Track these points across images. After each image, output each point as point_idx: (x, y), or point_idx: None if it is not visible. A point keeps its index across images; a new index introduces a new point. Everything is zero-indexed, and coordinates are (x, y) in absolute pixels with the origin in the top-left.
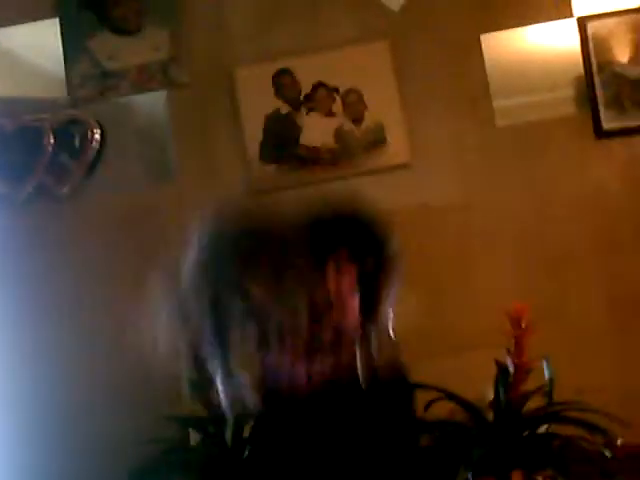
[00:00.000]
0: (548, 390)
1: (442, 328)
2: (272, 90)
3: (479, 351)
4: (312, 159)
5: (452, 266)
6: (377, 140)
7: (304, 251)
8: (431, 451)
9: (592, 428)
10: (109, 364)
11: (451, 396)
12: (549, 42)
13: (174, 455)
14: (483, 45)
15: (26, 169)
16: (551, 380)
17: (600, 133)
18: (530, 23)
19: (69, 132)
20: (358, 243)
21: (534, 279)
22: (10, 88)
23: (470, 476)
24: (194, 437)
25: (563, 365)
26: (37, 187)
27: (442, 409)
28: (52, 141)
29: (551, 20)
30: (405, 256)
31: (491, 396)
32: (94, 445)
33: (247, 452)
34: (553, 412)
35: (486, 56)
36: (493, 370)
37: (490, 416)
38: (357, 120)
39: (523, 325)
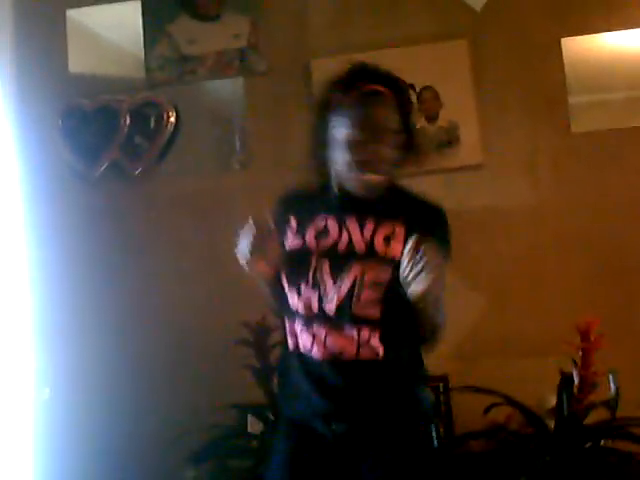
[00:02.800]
0: (613, 404)
1: (505, 332)
2: None
3: (541, 358)
4: None
5: (520, 270)
6: (450, 139)
7: None
8: (491, 456)
9: None
10: (172, 348)
11: (511, 402)
12: (630, 48)
13: (232, 441)
14: (563, 49)
15: (101, 148)
16: (616, 395)
17: None
18: (613, 29)
19: (145, 114)
20: None
21: (604, 289)
22: (90, 67)
23: None
24: (252, 424)
25: (628, 379)
26: (111, 166)
27: (500, 413)
28: (128, 122)
29: (634, 27)
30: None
31: (551, 404)
32: (156, 428)
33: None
34: (616, 426)
35: (566, 60)
36: (554, 378)
37: (550, 424)
38: (431, 118)
39: (592, 338)
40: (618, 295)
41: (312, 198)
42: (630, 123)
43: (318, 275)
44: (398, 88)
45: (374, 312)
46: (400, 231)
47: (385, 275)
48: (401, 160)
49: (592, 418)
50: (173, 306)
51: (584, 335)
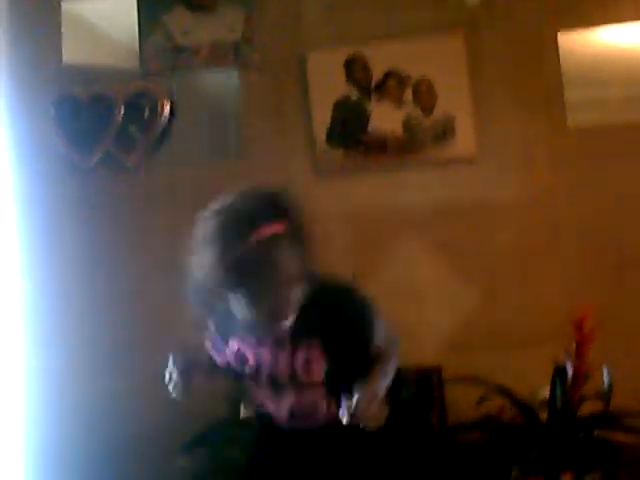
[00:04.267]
0: (606, 396)
1: (499, 324)
2: (343, 76)
3: (534, 349)
4: (379, 147)
5: (514, 263)
6: (446, 132)
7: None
8: (484, 446)
9: None
10: (166, 336)
11: (504, 392)
12: (627, 43)
13: (224, 429)
14: (560, 43)
15: (95, 138)
16: (610, 387)
17: None
18: (609, 23)
19: (139, 104)
20: None
21: (598, 282)
22: (84, 57)
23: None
24: (245, 412)
25: (622, 371)
26: (105, 156)
27: (493, 405)
28: (122, 112)
29: (631, 21)
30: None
31: (544, 395)
32: (148, 417)
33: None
34: (610, 418)
35: (562, 54)
36: (548, 370)
37: (543, 415)
38: (427, 110)
39: (586, 329)
40: (612, 288)
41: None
42: (626, 119)
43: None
44: (290, 217)
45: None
46: (316, 349)
47: (317, 394)
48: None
49: (585, 409)
50: (168, 298)
51: (578, 327)
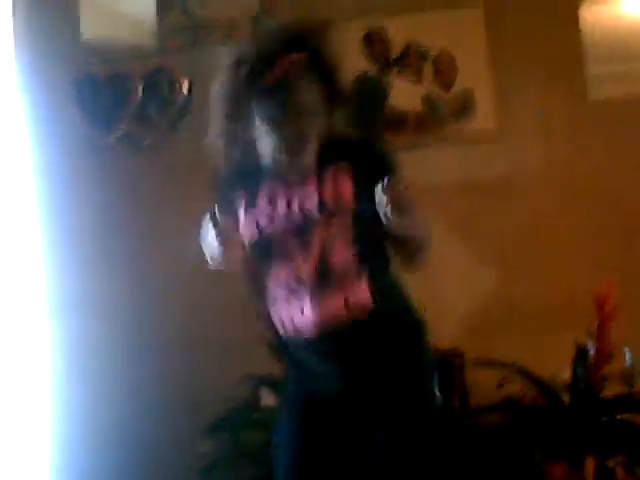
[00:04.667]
0: (629, 377)
1: (520, 304)
2: (362, 50)
3: (555, 331)
4: (398, 122)
5: (535, 239)
6: (465, 107)
7: None
8: (508, 428)
9: None
10: (187, 320)
11: (526, 375)
12: None
13: (247, 414)
14: (581, 15)
15: (114, 116)
16: (633, 368)
17: None
18: None
19: (157, 81)
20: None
21: (620, 258)
22: (102, 35)
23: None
24: (266, 397)
25: None
26: (123, 134)
27: (514, 387)
28: (140, 89)
29: None
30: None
31: (566, 377)
32: (170, 401)
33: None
34: (634, 400)
35: (583, 26)
36: (568, 351)
37: (565, 398)
38: (446, 85)
39: (607, 308)
40: (634, 263)
41: (246, 175)
42: None
43: (284, 251)
44: (309, 47)
45: (350, 264)
46: (344, 172)
47: (346, 226)
48: (331, 111)
49: (609, 391)
50: (187, 277)
51: (599, 306)
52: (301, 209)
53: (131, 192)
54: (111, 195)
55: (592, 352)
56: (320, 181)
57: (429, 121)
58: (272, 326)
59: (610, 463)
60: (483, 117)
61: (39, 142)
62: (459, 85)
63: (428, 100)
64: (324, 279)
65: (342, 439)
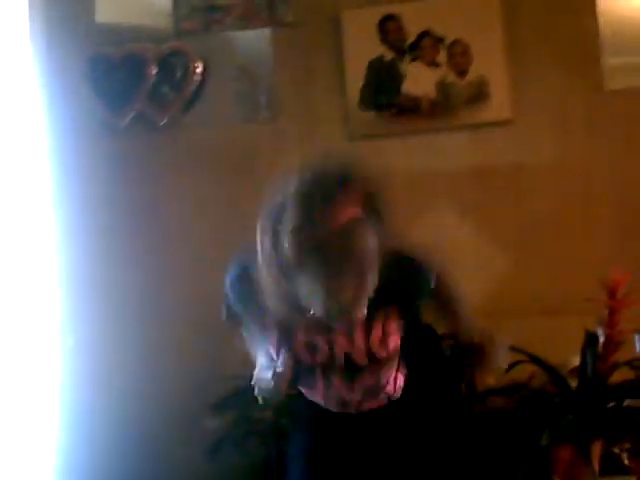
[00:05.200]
0: (637, 364)
1: (530, 290)
2: (377, 36)
3: (565, 316)
4: (412, 109)
5: (547, 227)
6: (480, 94)
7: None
8: (513, 413)
9: None
10: (193, 299)
11: (535, 359)
12: None
13: (253, 391)
14: (598, 3)
15: (128, 97)
16: None
17: None
18: None
19: (172, 63)
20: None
21: (631, 247)
22: (117, 16)
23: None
24: None
25: None
26: (137, 116)
27: (523, 372)
28: (155, 71)
29: None
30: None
31: (574, 363)
32: (178, 378)
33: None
34: None
35: (600, 15)
36: (578, 337)
37: (573, 383)
38: (461, 72)
39: (619, 295)
40: None
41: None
42: None
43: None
44: (355, 188)
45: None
46: (393, 321)
47: (391, 369)
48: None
49: (616, 377)
50: (197, 257)
51: (611, 292)
52: (346, 356)
53: (145, 172)
54: (126, 175)
55: (602, 338)
56: (367, 329)
57: (443, 107)
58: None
59: (616, 449)
60: (498, 104)
61: (53, 123)
62: (474, 72)
63: (442, 86)
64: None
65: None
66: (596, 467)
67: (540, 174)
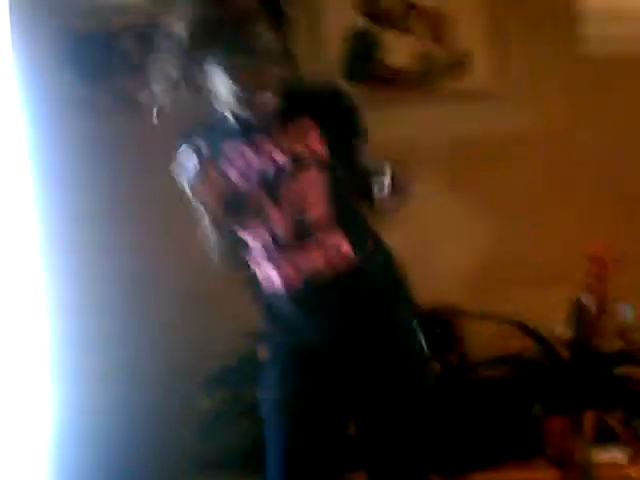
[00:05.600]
0: (626, 333)
1: (516, 260)
2: (355, 5)
3: (552, 286)
4: (391, 79)
5: (532, 197)
6: (459, 65)
7: None
8: (507, 383)
9: None
10: (187, 275)
11: (526, 330)
12: None
13: (244, 368)
14: None
15: (106, 74)
16: (630, 323)
17: None
18: None
19: (148, 36)
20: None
21: (616, 216)
22: None
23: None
24: (262, 352)
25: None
26: (118, 92)
27: (515, 342)
28: (134, 45)
29: None
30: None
31: (564, 332)
32: (169, 357)
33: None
34: (630, 354)
35: None
36: (565, 306)
37: (563, 352)
38: (441, 43)
39: (607, 264)
40: (630, 221)
41: (211, 130)
42: None
43: (258, 207)
44: None
45: (326, 218)
46: (311, 126)
47: (321, 180)
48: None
49: (609, 346)
50: (187, 235)
51: (596, 261)
52: (272, 162)
53: (131, 150)
54: (105, 152)
55: (591, 307)
56: (287, 134)
57: (423, 78)
58: (252, 282)
59: (608, 418)
60: (479, 75)
61: (30, 102)
62: (454, 43)
63: (423, 57)
64: (300, 234)
65: (328, 390)
66: (589, 436)
67: (521, 144)
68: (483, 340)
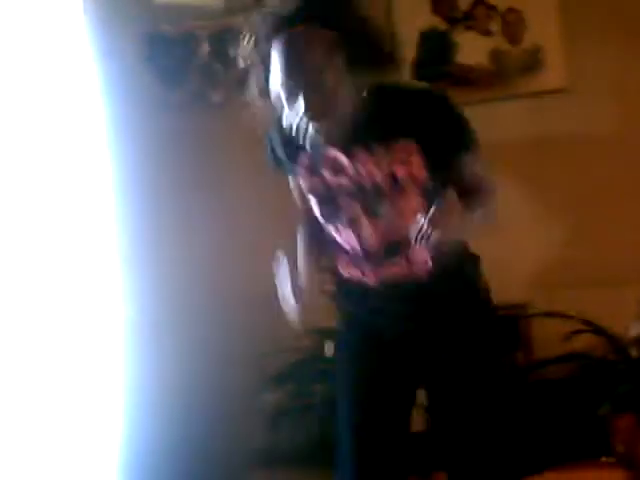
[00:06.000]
0: None
1: (590, 259)
2: (429, 5)
3: (624, 287)
4: (465, 78)
5: (603, 198)
6: (534, 63)
7: None
8: (574, 382)
9: None
10: (251, 272)
11: (596, 329)
12: None
13: (309, 365)
14: None
15: (182, 74)
16: None
17: None
18: None
19: (224, 40)
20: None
21: None
22: None
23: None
24: (329, 348)
25: None
26: (192, 93)
27: (582, 341)
28: (208, 49)
29: None
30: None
31: (635, 332)
32: (235, 352)
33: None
34: None
35: None
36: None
37: (634, 352)
38: (515, 41)
39: None
40: None
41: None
42: None
43: (351, 216)
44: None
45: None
46: (414, 150)
47: (420, 204)
48: (360, 71)
49: None
50: (255, 234)
51: None
52: (369, 178)
53: (201, 149)
54: (182, 151)
55: None
56: (389, 153)
57: (497, 77)
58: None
59: None
60: (553, 72)
61: (111, 101)
62: (528, 41)
63: (496, 55)
64: (391, 251)
65: (403, 381)
66: None
67: (598, 142)
68: (551, 340)
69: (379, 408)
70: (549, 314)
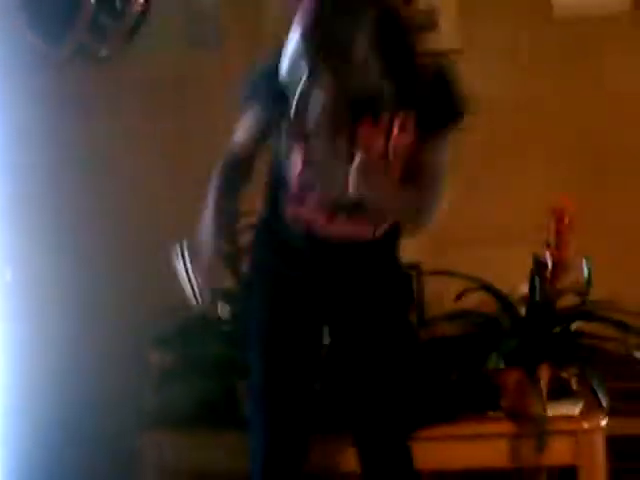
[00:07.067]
0: (584, 288)
1: (478, 220)
2: None
3: (514, 245)
4: None
5: (495, 158)
6: (428, 24)
7: None
8: (461, 339)
9: (625, 328)
10: (131, 232)
11: (485, 287)
12: None
13: (198, 326)
14: None
15: (66, 27)
16: (589, 279)
17: None
18: None
19: None
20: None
21: (580, 177)
22: None
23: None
24: (222, 309)
25: (600, 268)
26: (77, 47)
27: (472, 300)
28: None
29: None
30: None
31: (524, 290)
32: (121, 311)
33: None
34: (586, 310)
35: None
36: (527, 265)
37: (522, 310)
38: (407, 1)
39: (566, 220)
40: (594, 182)
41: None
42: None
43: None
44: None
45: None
46: (410, 122)
47: (395, 170)
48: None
49: (566, 302)
50: (142, 192)
51: (558, 217)
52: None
53: (86, 106)
54: (65, 109)
55: (550, 263)
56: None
57: None
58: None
59: (564, 373)
60: (447, 34)
61: None
62: (422, 1)
63: None
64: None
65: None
66: (544, 391)
67: (491, 104)
68: (443, 298)
69: (289, 348)
70: (441, 272)
